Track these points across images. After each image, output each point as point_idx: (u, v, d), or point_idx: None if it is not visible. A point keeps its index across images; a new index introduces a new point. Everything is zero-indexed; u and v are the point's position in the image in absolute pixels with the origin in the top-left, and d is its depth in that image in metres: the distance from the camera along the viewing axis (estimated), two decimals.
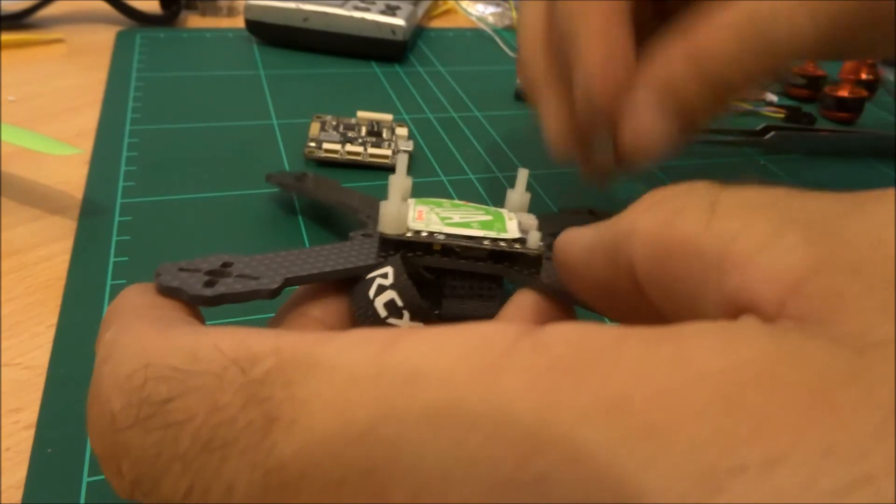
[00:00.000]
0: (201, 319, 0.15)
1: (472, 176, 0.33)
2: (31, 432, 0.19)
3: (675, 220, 0.11)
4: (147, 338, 0.12)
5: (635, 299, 0.12)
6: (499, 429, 0.08)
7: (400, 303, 0.17)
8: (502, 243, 0.19)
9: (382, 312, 0.17)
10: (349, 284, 0.18)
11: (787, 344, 0.08)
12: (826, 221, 0.10)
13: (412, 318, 0.17)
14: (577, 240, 0.14)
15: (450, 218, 0.20)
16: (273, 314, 0.18)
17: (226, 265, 0.16)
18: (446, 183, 0.32)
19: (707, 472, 0.07)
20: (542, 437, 0.08)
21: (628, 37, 0.22)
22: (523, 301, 0.19)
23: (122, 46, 0.45)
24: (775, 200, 0.10)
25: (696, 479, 0.07)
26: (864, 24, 0.20)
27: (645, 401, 0.08)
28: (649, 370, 0.08)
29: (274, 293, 0.16)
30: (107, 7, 0.48)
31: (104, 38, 0.46)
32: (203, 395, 0.10)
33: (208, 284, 0.15)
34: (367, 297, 0.17)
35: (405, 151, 0.33)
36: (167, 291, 0.15)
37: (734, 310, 0.10)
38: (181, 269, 0.16)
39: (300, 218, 0.29)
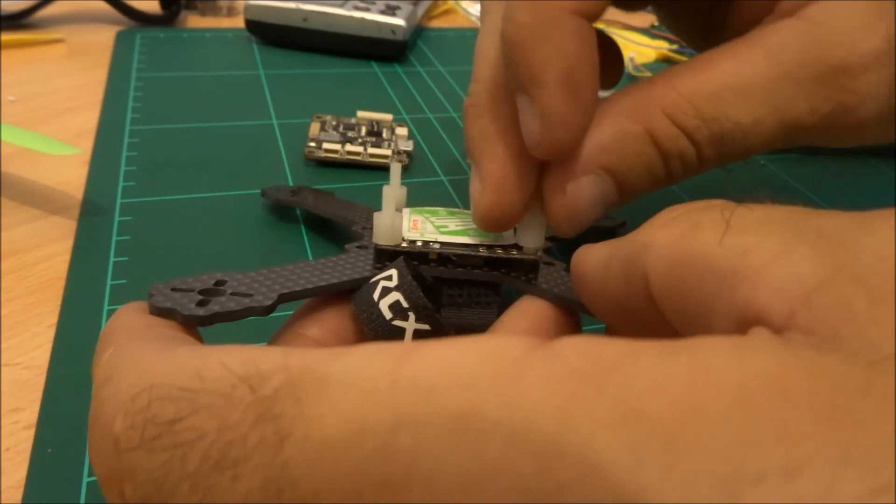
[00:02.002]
0: (198, 338, 0.15)
1: None
2: (31, 432, 0.19)
3: (691, 234, 0.11)
4: (148, 359, 0.12)
5: (648, 314, 0.12)
6: (518, 437, 0.08)
7: (405, 304, 0.17)
8: (499, 250, 0.19)
9: (388, 314, 0.17)
10: (345, 299, 0.18)
11: (801, 357, 0.08)
12: (835, 237, 0.10)
13: (417, 320, 0.17)
14: (593, 254, 0.15)
15: (445, 226, 0.20)
16: (268, 327, 0.18)
17: (219, 283, 0.16)
18: (446, 183, 0.32)
19: (727, 480, 0.07)
20: (561, 445, 0.08)
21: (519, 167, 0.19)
22: (526, 308, 0.19)
23: (122, 46, 0.45)
24: (788, 217, 0.11)
25: (716, 486, 0.07)
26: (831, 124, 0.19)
27: (663, 410, 0.08)
28: (666, 380, 0.08)
29: (268, 310, 0.16)
30: (107, 7, 0.48)
31: (104, 38, 0.46)
32: (212, 413, 0.10)
33: (201, 304, 0.15)
34: (372, 299, 0.17)
35: (405, 151, 0.33)
36: (160, 312, 0.15)
37: (744, 321, 0.10)
38: (174, 289, 0.15)
39: (300, 216, 0.29)
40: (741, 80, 0.18)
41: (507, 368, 0.09)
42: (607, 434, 0.08)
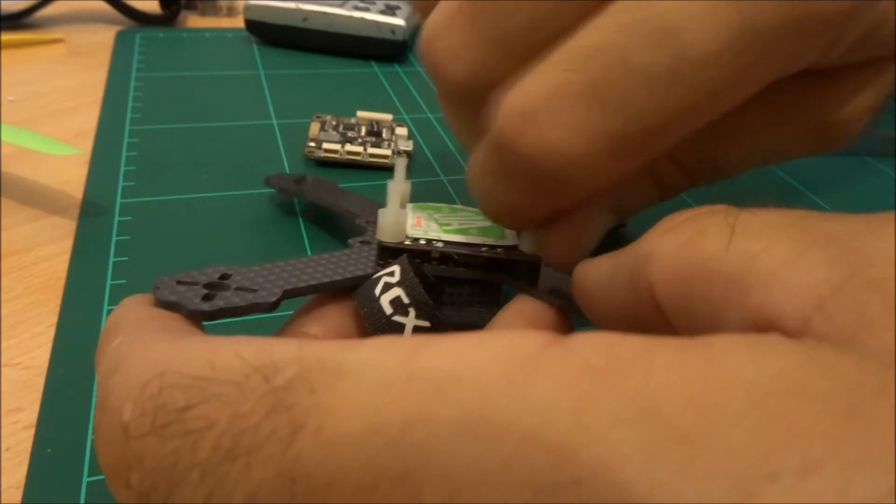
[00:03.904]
0: (202, 330, 0.15)
1: None
2: (31, 432, 0.19)
3: (696, 241, 0.11)
4: (159, 347, 0.12)
5: (654, 324, 0.12)
6: (533, 432, 0.08)
7: (406, 300, 0.17)
8: (500, 250, 0.19)
9: (388, 310, 0.17)
10: (348, 296, 0.18)
11: (818, 357, 0.08)
12: (846, 241, 0.10)
13: (417, 316, 0.17)
14: (596, 267, 0.15)
15: (448, 224, 0.20)
16: (271, 321, 0.18)
17: (224, 277, 0.16)
18: (446, 183, 0.32)
19: (742, 478, 0.07)
20: (576, 440, 0.08)
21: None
22: (521, 307, 0.19)
23: (121, 46, 0.45)
24: (795, 221, 0.11)
25: (730, 484, 0.07)
26: None
27: (678, 407, 0.08)
28: (681, 378, 0.08)
29: (273, 306, 0.16)
30: (107, 7, 0.48)
31: (104, 38, 0.46)
32: (224, 402, 0.10)
33: (207, 298, 0.15)
34: (373, 294, 0.17)
35: (405, 151, 0.33)
36: (165, 306, 0.15)
37: (756, 327, 0.10)
38: (179, 283, 0.15)
39: (300, 218, 0.29)
40: (740, 128, 0.19)
41: (520, 364, 0.09)
42: (621, 432, 0.08)
